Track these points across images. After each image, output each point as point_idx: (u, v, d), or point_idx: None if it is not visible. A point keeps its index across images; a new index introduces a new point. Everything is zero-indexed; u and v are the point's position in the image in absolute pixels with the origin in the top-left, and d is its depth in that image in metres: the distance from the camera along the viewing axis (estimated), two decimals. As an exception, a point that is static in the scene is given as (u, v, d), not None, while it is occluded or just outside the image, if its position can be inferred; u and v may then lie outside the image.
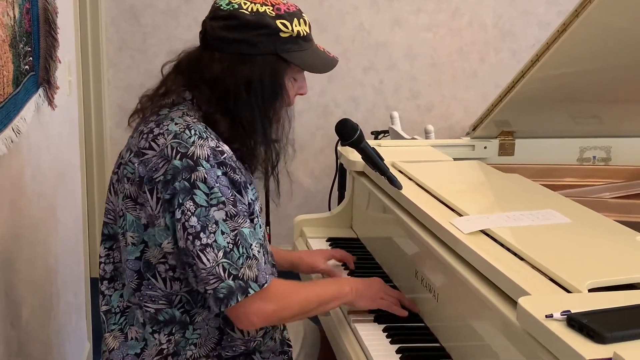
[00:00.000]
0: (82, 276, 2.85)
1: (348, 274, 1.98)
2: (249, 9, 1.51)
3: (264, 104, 1.54)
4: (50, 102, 2.18)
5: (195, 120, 1.50)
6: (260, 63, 1.52)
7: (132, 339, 1.57)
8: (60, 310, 2.39)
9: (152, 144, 1.48)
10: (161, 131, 1.48)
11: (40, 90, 2.09)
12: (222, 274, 1.42)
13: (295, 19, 1.54)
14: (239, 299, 1.43)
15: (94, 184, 3.89)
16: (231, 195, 1.46)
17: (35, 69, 2.02)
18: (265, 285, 1.46)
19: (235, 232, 1.44)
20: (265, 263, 1.49)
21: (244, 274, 1.43)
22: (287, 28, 1.52)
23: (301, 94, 1.64)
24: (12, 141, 1.73)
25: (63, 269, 2.45)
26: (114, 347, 1.58)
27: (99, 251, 1.62)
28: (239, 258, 1.43)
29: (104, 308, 1.61)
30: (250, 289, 1.44)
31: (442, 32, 4.19)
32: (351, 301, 1.67)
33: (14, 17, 1.76)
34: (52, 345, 2.26)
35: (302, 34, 1.55)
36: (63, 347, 2.42)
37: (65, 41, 2.36)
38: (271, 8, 1.52)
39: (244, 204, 1.51)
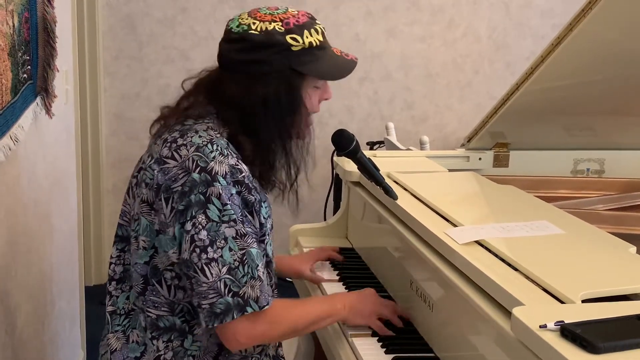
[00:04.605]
0: (76, 284, 2.84)
1: (337, 274, 1.95)
2: (258, 29, 1.51)
3: (283, 121, 1.54)
4: (48, 110, 2.19)
5: (218, 136, 1.51)
6: (276, 80, 1.52)
7: (133, 342, 1.58)
8: (55, 317, 2.39)
9: (175, 153, 1.49)
10: (184, 142, 1.49)
11: (38, 99, 2.10)
12: (223, 290, 1.42)
13: (305, 30, 1.53)
14: (235, 317, 1.43)
15: (90, 192, 3.89)
16: (241, 215, 1.47)
17: (34, 78, 2.02)
18: (267, 307, 1.45)
19: (244, 251, 1.45)
20: (267, 285, 1.49)
21: (245, 293, 1.43)
22: (298, 42, 1.52)
23: (326, 99, 1.63)
24: (9, 149, 1.74)
25: (58, 276, 2.45)
26: (115, 349, 1.59)
27: (111, 252, 1.62)
28: (243, 276, 1.43)
29: (109, 308, 1.61)
30: (248, 307, 1.43)
31: (437, 43, 4.21)
32: (344, 318, 1.66)
33: (13, 26, 1.77)
34: (46, 353, 2.26)
35: (314, 44, 1.54)
36: (57, 355, 2.42)
37: (63, 50, 2.37)
38: (280, 24, 1.51)
39: (254, 226, 1.52)
